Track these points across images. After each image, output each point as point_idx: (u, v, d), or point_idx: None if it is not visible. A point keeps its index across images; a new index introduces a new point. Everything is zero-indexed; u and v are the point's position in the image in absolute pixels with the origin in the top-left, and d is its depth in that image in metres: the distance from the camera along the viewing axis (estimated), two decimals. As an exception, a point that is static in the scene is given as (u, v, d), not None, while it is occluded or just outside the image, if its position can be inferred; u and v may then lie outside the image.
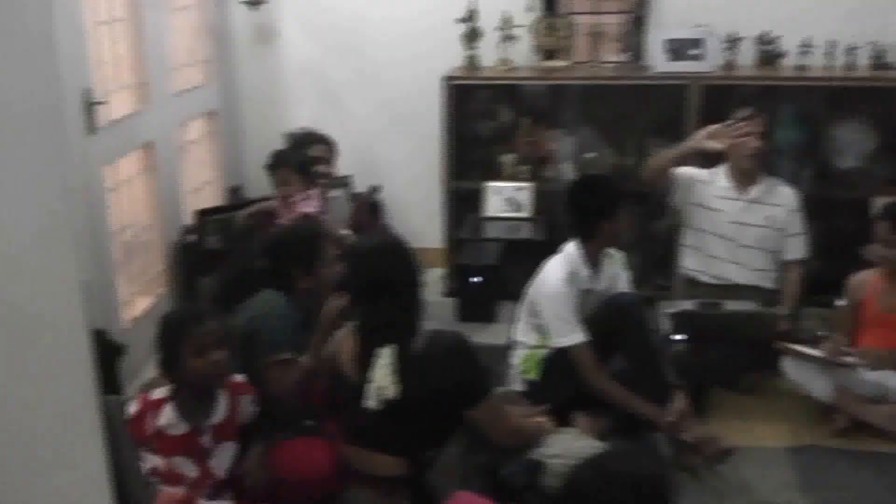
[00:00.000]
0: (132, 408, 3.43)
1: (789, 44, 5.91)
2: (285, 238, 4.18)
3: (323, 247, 4.10)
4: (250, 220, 5.60)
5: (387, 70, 6.34)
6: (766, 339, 4.71)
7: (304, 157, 5.48)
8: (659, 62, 5.81)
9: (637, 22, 6.09)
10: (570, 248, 4.47)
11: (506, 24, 5.86)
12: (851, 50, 5.87)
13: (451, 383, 3.34)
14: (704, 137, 5.04)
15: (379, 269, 3.42)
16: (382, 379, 3.32)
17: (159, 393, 3.49)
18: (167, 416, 3.44)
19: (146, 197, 5.41)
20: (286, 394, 3.76)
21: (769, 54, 5.94)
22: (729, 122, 5.05)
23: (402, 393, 3.30)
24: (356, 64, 6.38)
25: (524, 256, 5.01)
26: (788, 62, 5.94)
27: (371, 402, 3.34)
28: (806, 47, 5.86)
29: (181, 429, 3.45)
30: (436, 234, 6.03)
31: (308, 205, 5.25)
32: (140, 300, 5.30)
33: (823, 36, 5.88)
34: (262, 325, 3.79)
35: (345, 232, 5.28)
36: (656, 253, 5.76)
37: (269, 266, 4.08)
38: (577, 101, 6.18)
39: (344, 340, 3.55)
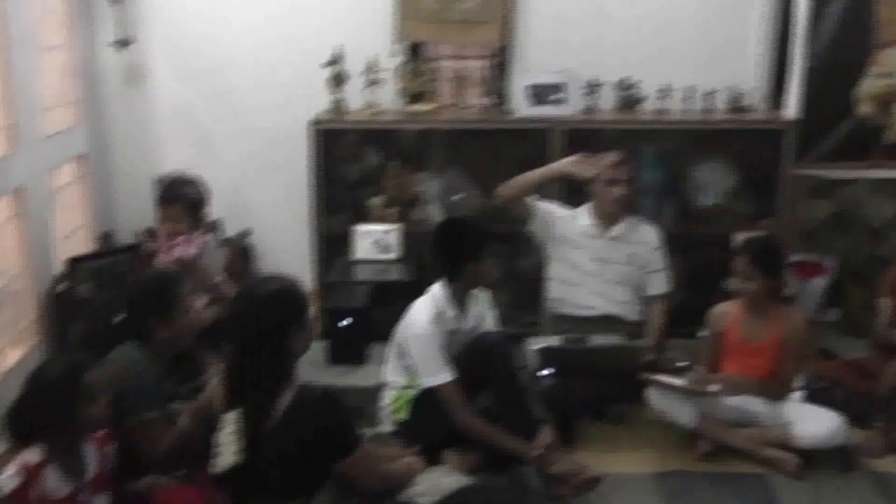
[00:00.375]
0: (12, 482, 3.25)
1: (649, 88, 6.01)
2: (142, 288, 4.10)
3: (182, 295, 4.04)
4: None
5: (256, 113, 6.24)
6: (632, 371, 4.76)
7: (199, 196, 5.34)
8: (522, 106, 5.84)
9: (500, 66, 6.13)
10: (437, 289, 4.51)
11: (371, 68, 5.84)
12: (709, 94, 5.99)
13: (320, 440, 3.31)
14: (570, 163, 5.12)
15: (272, 317, 3.36)
16: (226, 447, 3.31)
17: (33, 457, 3.31)
18: (51, 480, 3.29)
19: (16, 244, 5.21)
20: (160, 452, 3.71)
21: (629, 99, 6.03)
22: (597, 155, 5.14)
23: (253, 455, 3.28)
24: (226, 106, 6.27)
25: (393, 298, 5.00)
26: (649, 106, 6.03)
27: (217, 467, 3.35)
28: (665, 92, 5.97)
29: (65, 490, 3.33)
30: (306, 277, 5.84)
31: (188, 248, 5.09)
32: (11, 352, 5.09)
33: (682, 81, 6.01)
34: (124, 386, 3.68)
35: (220, 279, 5.17)
36: (523, 290, 5.78)
37: (127, 316, 4.00)
38: (443, 143, 6.16)
39: (218, 385, 3.49)
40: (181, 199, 5.18)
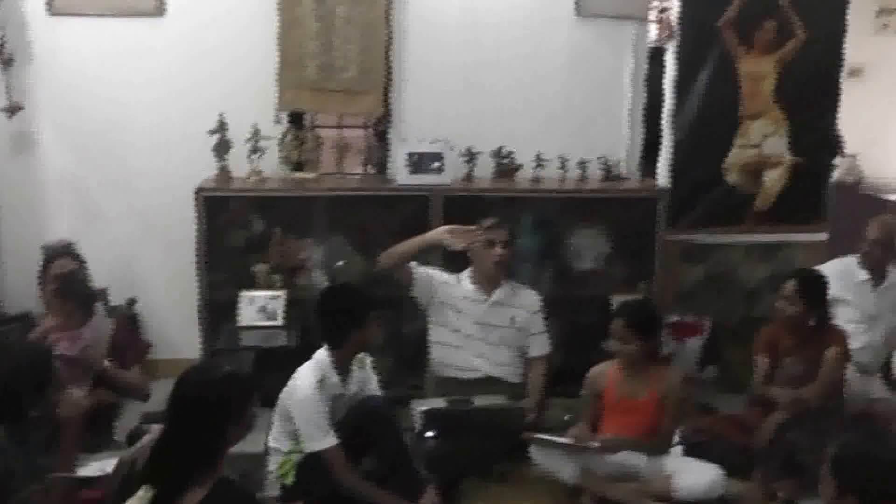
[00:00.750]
0: None
1: (524, 157, 6.05)
2: (13, 366, 3.92)
3: (55, 373, 3.93)
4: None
5: (143, 180, 6.09)
6: (514, 431, 4.73)
7: (92, 292, 5.11)
8: (402, 174, 5.82)
9: (381, 135, 6.11)
10: (321, 355, 4.48)
11: (254, 136, 5.75)
12: (583, 163, 6.05)
13: None
14: (443, 234, 5.09)
15: (217, 402, 3.15)
16: None
17: None
18: None
19: None
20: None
21: (505, 167, 6.06)
22: (472, 227, 5.11)
23: None
24: (112, 174, 6.09)
25: (278, 364, 4.85)
26: (525, 174, 6.07)
27: None
28: (540, 160, 6.01)
29: None
30: (193, 344, 5.73)
31: (73, 346, 4.85)
32: None
33: (556, 150, 6.07)
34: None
35: (107, 363, 4.94)
36: (407, 354, 5.75)
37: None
38: (326, 210, 6.09)
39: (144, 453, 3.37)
40: (73, 294, 4.97)
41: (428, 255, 5.34)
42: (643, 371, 4.70)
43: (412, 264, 5.17)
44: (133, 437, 4.37)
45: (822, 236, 6.41)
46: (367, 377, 4.63)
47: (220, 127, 5.70)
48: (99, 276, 5.60)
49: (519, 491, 4.74)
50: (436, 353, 5.27)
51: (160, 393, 5.55)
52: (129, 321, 5.91)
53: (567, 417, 4.95)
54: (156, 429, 3.74)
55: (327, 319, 4.49)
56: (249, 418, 3.26)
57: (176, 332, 6.05)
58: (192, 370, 3.30)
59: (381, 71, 5.99)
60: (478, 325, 5.19)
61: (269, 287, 5.83)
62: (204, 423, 3.10)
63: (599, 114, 6.25)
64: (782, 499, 4.58)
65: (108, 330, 5.19)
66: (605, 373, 4.82)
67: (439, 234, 5.12)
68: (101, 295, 5.65)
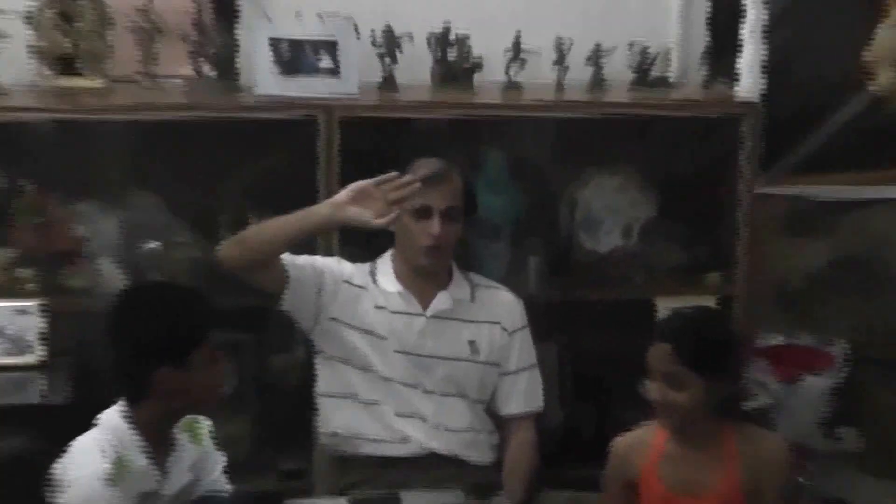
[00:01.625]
0: None
1: (490, 46, 6.03)
2: None
3: None
4: None
5: None
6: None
7: None
8: (264, 80, 5.79)
9: (221, 8, 6.11)
10: (114, 419, 4.32)
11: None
12: (599, 55, 6.05)
13: None
14: (346, 201, 4.93)
15: None
16: None
17: None
18: None
19: None
20: None
21: (456, 65, 6.04)
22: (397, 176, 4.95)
23: None
24: None
25: (34, 435, 5.00)
26: (492, 75, 6.07)
27: None
28: (519, 51, 6.01)
29: None
30: None
31: None
32: None
33: (549, 33, 6.06)
34: None
35: None
36: (279, 414, 5.80)
37: None
38: (123, 149, 6.04)
39: None
40: None
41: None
42: (710, 441, 4.63)
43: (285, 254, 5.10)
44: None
45: None
46: (205, 459, 4.55)
47: None
48: None
49: None
50: (331, 414, 5.21)
51: None
52: None
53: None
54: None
55: (125, 350, 4.33)
56: None
57: None
58: None
59: None
60: (407, 358, 5.14)
61: (12, 291, 5.81)
62: None
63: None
64: None
65: None
66: (643, 444, 4.76)
67: (339, 205, 4.94)
68: None
